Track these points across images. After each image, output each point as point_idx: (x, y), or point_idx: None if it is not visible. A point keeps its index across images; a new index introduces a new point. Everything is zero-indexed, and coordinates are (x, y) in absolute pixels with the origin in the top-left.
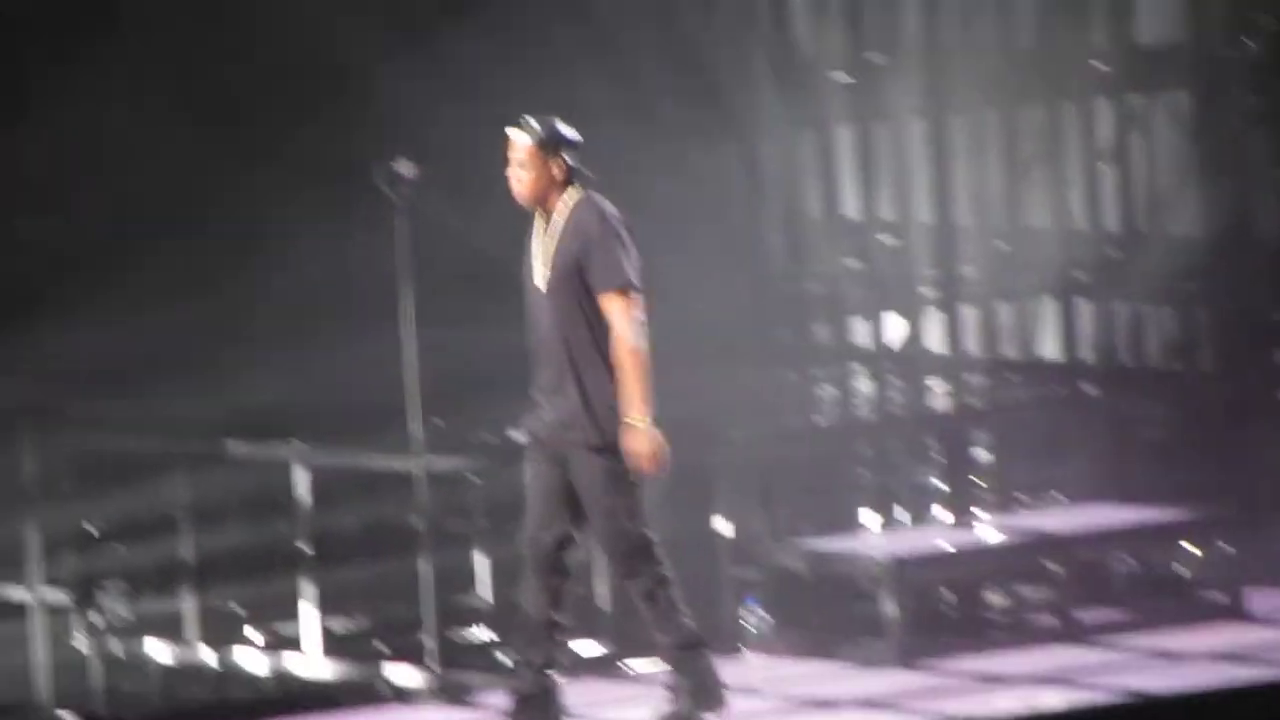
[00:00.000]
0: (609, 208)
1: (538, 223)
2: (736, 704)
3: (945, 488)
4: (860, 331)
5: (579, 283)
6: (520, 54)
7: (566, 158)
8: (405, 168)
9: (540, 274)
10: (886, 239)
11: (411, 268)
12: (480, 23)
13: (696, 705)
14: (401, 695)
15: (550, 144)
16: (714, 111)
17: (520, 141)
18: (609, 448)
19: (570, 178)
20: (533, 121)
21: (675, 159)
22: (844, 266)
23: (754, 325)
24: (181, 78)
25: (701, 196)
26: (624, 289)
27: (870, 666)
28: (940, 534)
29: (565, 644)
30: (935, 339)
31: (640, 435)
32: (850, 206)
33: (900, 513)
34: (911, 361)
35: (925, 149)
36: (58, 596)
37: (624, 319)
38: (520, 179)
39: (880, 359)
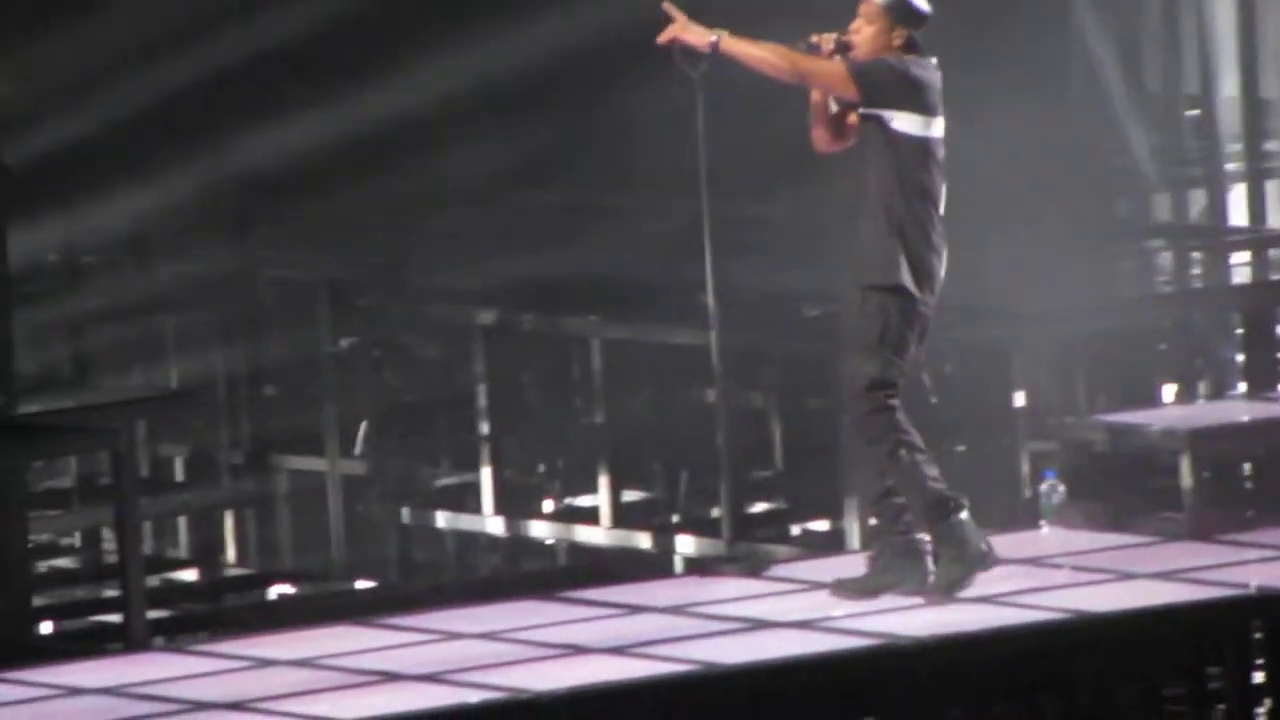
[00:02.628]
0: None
1: None
2: (1034, 576)
3: (1246, 361)
4: (1162, 205)
5: (870, 133)
6: None
7: (909, 28)
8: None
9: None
10: (1191, 112)
11: (708, 145)
12: None
13: (963, 568)
14: (695, 567)
15: (897, 8)
16: None
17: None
18: (873, 289)
19: (910, 48)
20: None
21: (978, 34)
22: (1147, 140)
23: (1056, 199)
24: None
25: (1004, 71)
26: (851, 71)
27: (1167, 540)
28: (1239, 408)
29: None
30: (1239, 213)
31: (701, 33)
32: (1154, 80)
33: (1200, 387)
34: (1214, 235)
35: (1231, 20)
36: (354, 466)
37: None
38: (860, 33)
39: (1182, 233)
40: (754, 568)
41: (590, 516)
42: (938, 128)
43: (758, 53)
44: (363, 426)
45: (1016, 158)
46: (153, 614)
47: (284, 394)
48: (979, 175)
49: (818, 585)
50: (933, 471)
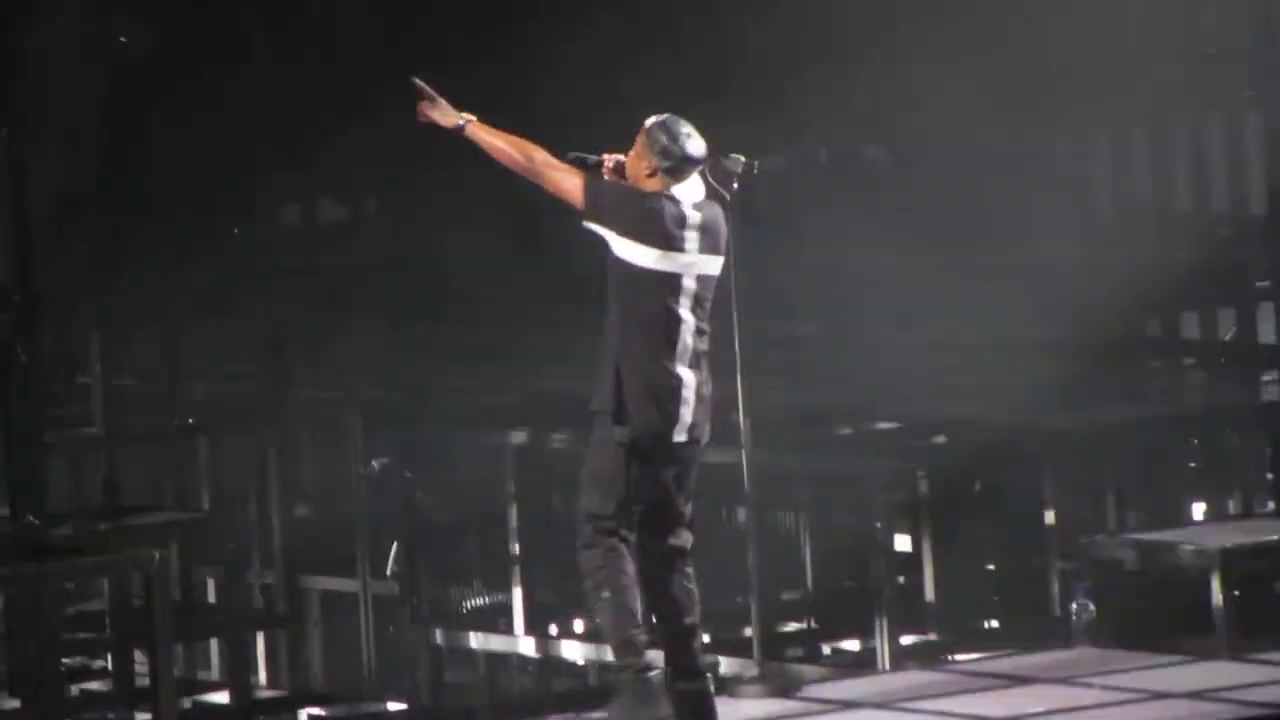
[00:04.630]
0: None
1: None
2: (1065, 696)
3: (1275, 479)
4: (1191, 324)
5: (607, 259)
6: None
7: (661, 164)
8: (734, 163)
9: None
10: (1220, 230)
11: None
12: None
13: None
14: (726, 686)
15: (653, 143)
16: (1046, 102)
17: (643, 124)
18: (596, 414)
19: (660, 180)
20: (661, 117)
21: (1008, 145)
22: (1177, 259)
23: (1084, 319)
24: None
25: (1032, 189)
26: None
27: (1200, 658)
28: (1270, 526)
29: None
30: (1268, 331)
31: (450, 115)
32: (1184, 199)
33: (1230, 505)
34: (1244, 354)
35: (1260, 140)
36: (386, 587)
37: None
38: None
39: (1212, 351)
40: (784, 688)
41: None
42: (674, 262)
43: (500, 144)
44: (394, 547)
45: (1043, 278)
46: None
47: (316, 515)
48: (1009, 294)
49: (847, 705)
50: (629, 623)
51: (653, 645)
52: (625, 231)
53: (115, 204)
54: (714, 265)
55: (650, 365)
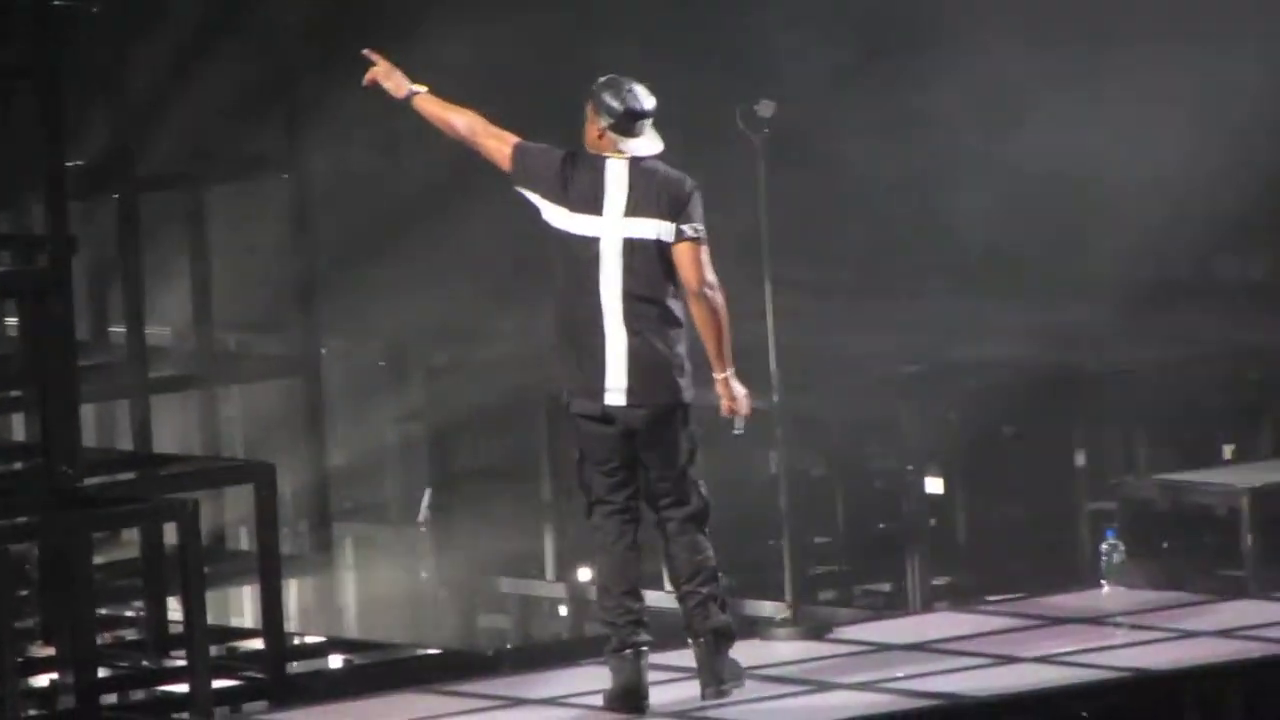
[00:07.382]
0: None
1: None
2: (1095, 635)
3: None
4: (1220, 267)
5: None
6: None
7: (606, 122)
8: (765, 108)
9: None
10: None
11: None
12: None
13: (612, 699)
14: (757, 629)
15: (598, 104)
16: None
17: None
18: None
19: (610, 140)
20: (605, 78)
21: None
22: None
23: (1110, 260)
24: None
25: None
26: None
27: (1227, 598)
28: None
29: None
30: None
31: (400, 83)
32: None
33: (1260, 445)
34: (1272, 296)
35: None
36: (417, 533)
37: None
38: None
39: (1238, 295)
40: (815, 631)
41: (656, 581)
42: (588, 224)
43: (446, 115)
44: (426, 494)
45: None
46: (217, 683)
47: (348, 462)
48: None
49: (879, 647)
50: (603, 600)
51: (635, 619)
52: (544, 194)
53: (149, 156)
54: (646, 228)
55: (574, 327)
